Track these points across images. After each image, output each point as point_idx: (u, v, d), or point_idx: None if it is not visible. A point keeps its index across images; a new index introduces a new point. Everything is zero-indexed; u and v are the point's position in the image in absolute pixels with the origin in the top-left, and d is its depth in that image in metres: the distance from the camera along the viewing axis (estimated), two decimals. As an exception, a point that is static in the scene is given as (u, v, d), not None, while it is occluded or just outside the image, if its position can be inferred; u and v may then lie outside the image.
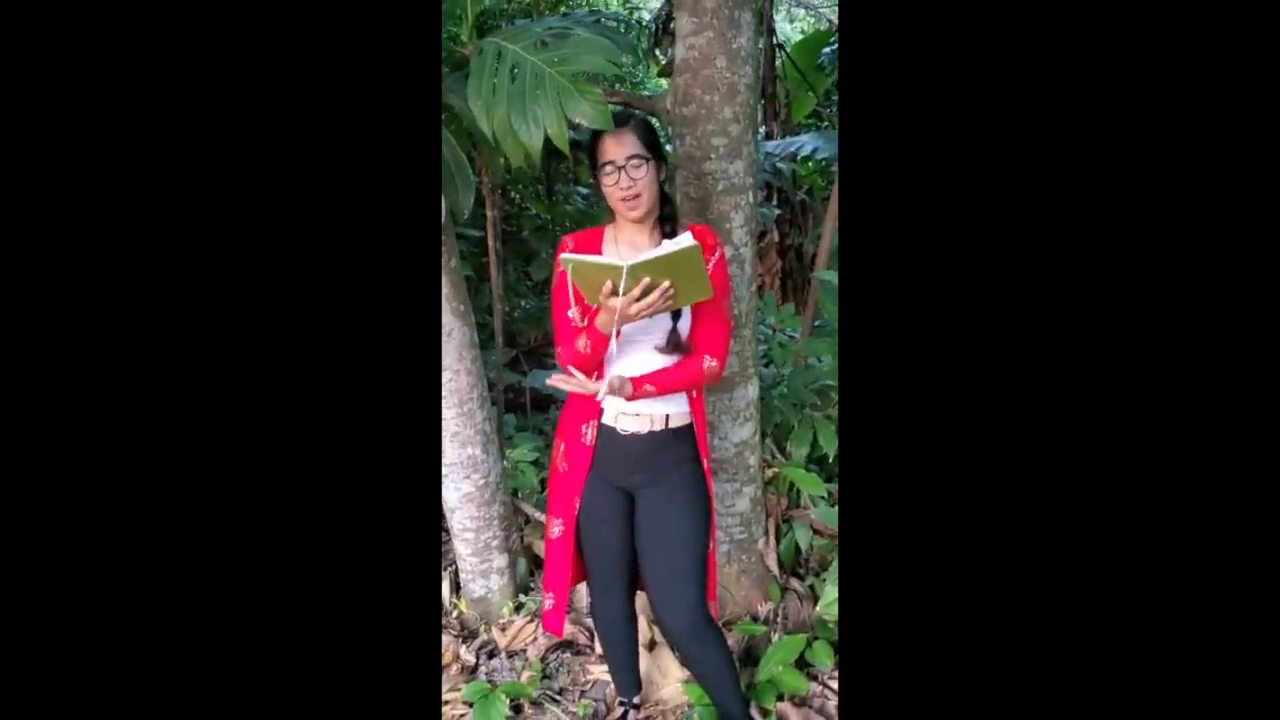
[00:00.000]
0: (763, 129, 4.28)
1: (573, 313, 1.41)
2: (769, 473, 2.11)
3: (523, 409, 3.47)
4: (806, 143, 3.59)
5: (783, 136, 4.06)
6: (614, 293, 1.23)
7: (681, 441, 1.49)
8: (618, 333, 1.29)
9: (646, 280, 1.21)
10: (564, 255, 1.24)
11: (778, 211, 3.55)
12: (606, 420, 1.47)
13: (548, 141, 1.40)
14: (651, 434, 1.46)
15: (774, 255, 4.39)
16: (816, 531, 2.09)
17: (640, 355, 1.41)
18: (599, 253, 1.46)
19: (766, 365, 2.48)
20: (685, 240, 1.19)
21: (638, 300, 1.24)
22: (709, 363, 1.41)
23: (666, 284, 1.22)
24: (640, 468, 1.47)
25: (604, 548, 1.53)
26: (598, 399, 1.35)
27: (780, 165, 3.19)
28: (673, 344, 1.41)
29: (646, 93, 3.99)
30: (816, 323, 2.44)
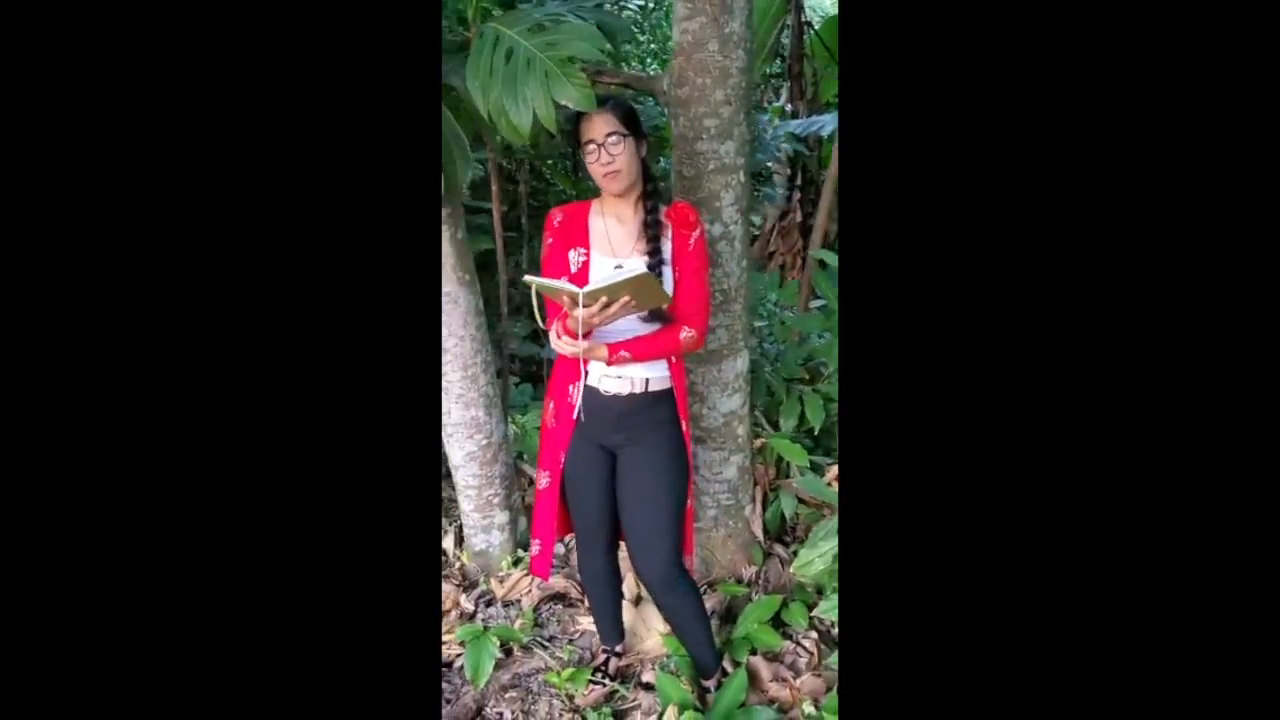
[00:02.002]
0: (788, 107, 4.30)
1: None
2: (758, 443, 2.19)
3: (540, 380, 3.60)
4: (828, 122, 3.60)
5: (808, 115, 4.07)
6: (575, 304, 1.36)
7: (661, 404, 1.59)
8: (588, 333, 1.42)
9: (604, 299, 1.35)
10: (526, 277, 1.37)
11: (783, 192, 3.58)
12: (591, 382, 1.58)
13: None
14: (632, 395, 1.56)
15: (795, 234, 4.42)
16: (801, 500, 2.18)
17: (624, 323, 1.51)
18: (585, 223, 1.57)
19: (768, 341, 2.55)
20: (635, 268, 1.33)
21: (599, 313, 1.37)
22: (686, 332, 1.51)
23: (625, 298, 1.36)
24: (621, 427, 1.58)
25: (586, 500, 1.64)
26: (578, 354, 1.46)
27: (787, 145, 3.21)
28: (655, 314, 1.51)
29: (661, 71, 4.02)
30: (817, 301, 2.50)
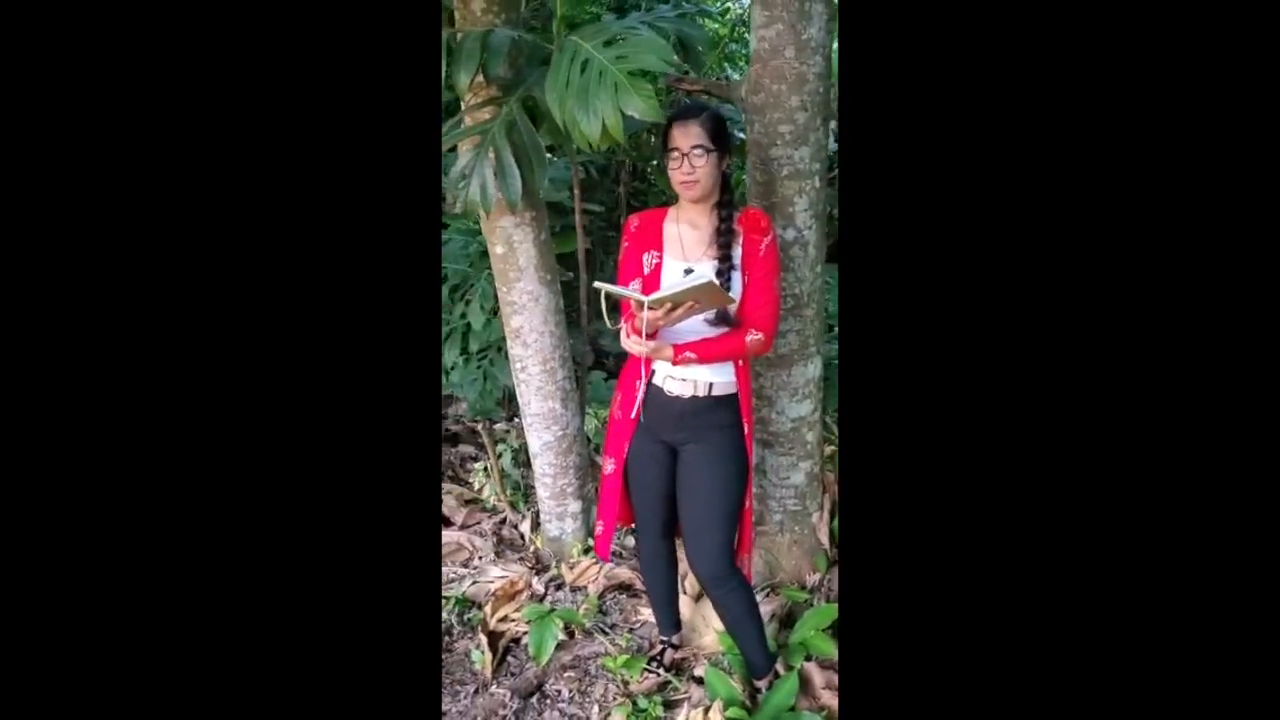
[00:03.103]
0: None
1: (635, 284, 1.59)
2: (829, 450, 2.17)
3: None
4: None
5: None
6: (642, 307, 1.44)
7: (723, 408, 1.63)
8: (654, 334, 1.49)
9: (669, 305, 1.42)
10: (595, 283, 1.46)
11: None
12: (656, 381, 1.64)
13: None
14: (694, 398, 1.61)
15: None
16: (871, 511, 2.14)
17: (691, 325, 1.56)
18: (660, 228, 1.64)
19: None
20: (700, 278, 1.39)
21: (664, 316, 1.45)
22: (753, 335, 1.54)
23: (689, 303, 1.43)
24: (682, 426, 1.63)
25: (646, 488, 1.71)
26: (645, 354, 1.53)
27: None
28: (721, 317, 1.55)
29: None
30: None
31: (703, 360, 1.55)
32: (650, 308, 1.43)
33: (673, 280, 1.58)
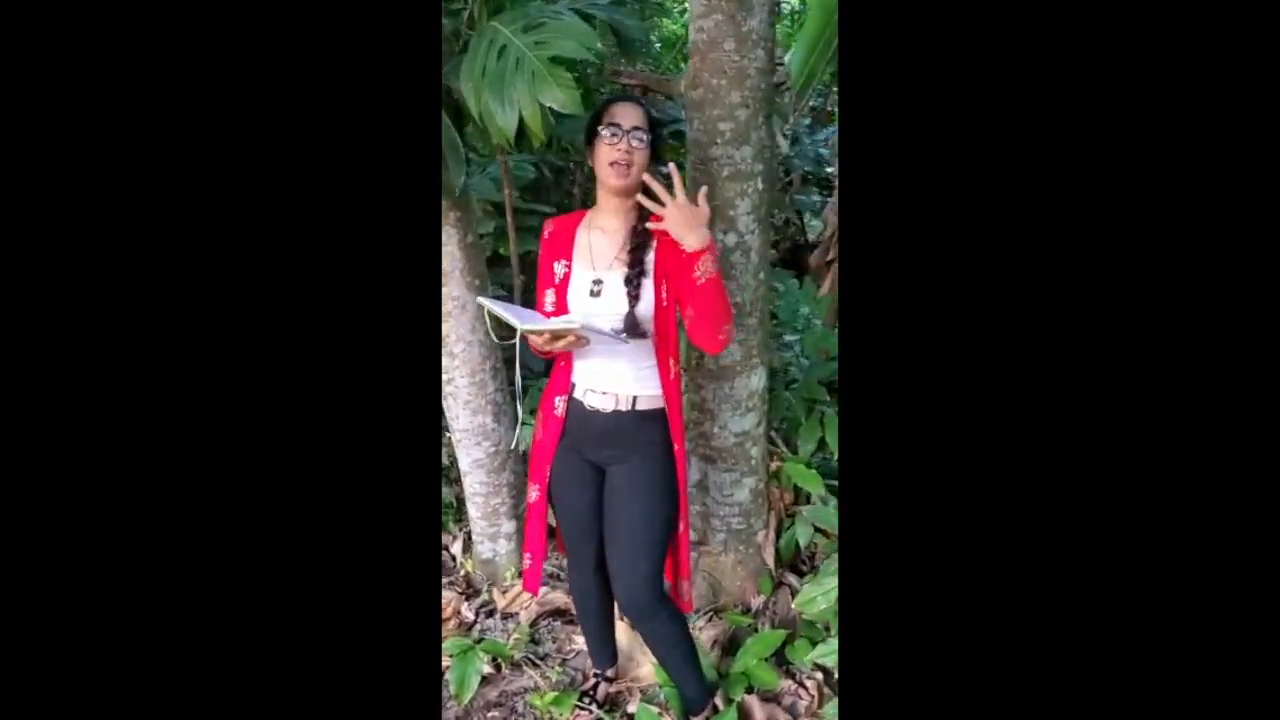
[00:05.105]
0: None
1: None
2: (775, 466, 2.07)
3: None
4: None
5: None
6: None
7: (649, 424, 1.51)
8: (549, 353, 1.43)
9: (550, 334, 1.36)
10: (479, 299, 1.39)
11: (821, 201, 3.42)
12: (576, 395, 1.52)
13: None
14: (616, 413, 1.49)
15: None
16: (819, 529, 2.04)
17: (602, 341, 1.43)
18: (572, 236, 1.52)
19: (803, 356, 2.41)
20: (572, 322, 1.36)
21: (549, 343, 1.38)
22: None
23: (572, 337, 1.36)
24: (607, 444, 1.51)
25: (571, 515, 1.59)
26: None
27: (825, 151, 3.05)
28: (630, 326, 1.43)
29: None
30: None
31: (701, 301, 1.38)
32: (525, 335, 1.36)
33: (580, 292, 1.48)
